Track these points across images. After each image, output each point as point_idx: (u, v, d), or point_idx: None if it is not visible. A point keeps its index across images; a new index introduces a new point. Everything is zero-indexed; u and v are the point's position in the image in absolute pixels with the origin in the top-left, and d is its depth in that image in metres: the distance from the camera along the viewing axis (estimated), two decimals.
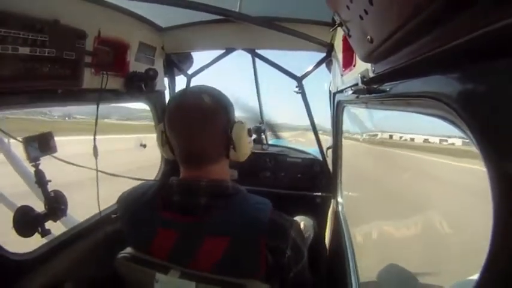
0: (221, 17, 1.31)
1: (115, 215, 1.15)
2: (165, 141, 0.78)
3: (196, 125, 0.70)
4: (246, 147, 0.77)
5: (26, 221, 0.88)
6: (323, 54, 1.54)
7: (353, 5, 0.54)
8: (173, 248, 0.68)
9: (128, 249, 0.73)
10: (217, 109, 0.73)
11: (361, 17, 0.52)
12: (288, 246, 0.68)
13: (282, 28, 1.25)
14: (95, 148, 1.09)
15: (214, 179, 0.73)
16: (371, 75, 0.77)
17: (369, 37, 0.55)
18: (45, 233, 0.91)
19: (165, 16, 1.39)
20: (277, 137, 3.50)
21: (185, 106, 0.73)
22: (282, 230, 0.69)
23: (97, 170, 1.10)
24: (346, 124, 1.63)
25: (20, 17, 0.74)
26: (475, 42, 0.32)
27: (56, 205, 0.95)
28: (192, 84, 1.82)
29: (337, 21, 0.73)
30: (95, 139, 1.10)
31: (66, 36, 0.89)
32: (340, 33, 1.19)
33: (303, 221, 1.13)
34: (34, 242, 0.93)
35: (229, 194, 0.72)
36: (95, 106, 1.12)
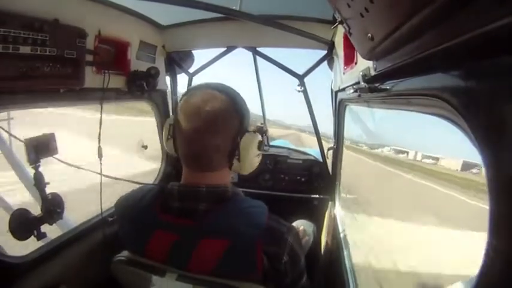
0: (222, 15, 1.30)
1: (111, 218, 1.15)
2: (171, 136, 0.74)
3: (206, 129, 0.66)
4: (252, 160, 0.73)
5: (21, 224, 0.86)
6: (324, 52, 1.53)
7: (354, 3, 0.54)
8: (171, 250, 0.67)
9: (124, 253, 0.72)
10: (231, 114, 0.68)
11: (361, 15, 0.52)
12: (285, 251, 0.67)
13: (282, 26, 1.24)
14: (99, 149, 1.06)
15: (215, 184, 0.71)
16: (372, 73, 0.76)
17: (369, 35, 0.54)
18: (40, 236, 0.89)
19: (166, 14, 1.39)
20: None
21: (197, 106, 0.67)
22: (279, 236, 0.68)
23: (101, 174, 1.08)
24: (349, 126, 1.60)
25: (19, 16, 0.74)
26: (476, 40, 0.32)
27: (53, 208, 0.93)
28: (193, 83, 1.82)
29: (338, 19, 0.73)
30: (99, 140, 1.07)
31: (67, 35, 0.89)
32: (341, 30, 1.18)
33: (302, 225, 1.09)
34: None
35: (227, 198, 0.71)
36: None
